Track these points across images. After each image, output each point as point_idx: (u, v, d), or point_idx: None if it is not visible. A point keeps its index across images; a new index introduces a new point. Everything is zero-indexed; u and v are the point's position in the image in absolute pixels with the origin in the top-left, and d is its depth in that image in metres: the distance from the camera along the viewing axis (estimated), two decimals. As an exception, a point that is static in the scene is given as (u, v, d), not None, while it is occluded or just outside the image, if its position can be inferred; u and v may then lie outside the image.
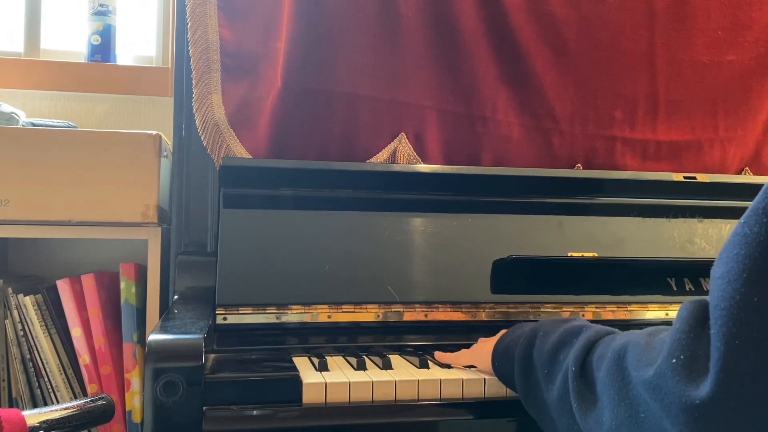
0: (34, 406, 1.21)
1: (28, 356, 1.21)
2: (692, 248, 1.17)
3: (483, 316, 1.04)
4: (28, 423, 0.84)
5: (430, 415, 0.80)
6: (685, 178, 1.22)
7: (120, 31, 1.59)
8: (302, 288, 1.01)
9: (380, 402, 0.79)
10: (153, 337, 0.78)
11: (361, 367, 0.84)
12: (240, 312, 0.99)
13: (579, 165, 1.26)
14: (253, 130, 1.17)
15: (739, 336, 0.48)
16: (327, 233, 1.06)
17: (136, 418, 1.22)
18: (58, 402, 1.21)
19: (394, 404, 0.80)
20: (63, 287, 1.21)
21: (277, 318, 0.99)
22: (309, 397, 0.78)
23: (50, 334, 1.21)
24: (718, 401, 0.48)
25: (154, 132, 1.19)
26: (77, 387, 1.23)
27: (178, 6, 1.20)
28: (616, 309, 1.08)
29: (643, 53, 1.29)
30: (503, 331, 0.85)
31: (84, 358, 1.21)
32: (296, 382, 0.79)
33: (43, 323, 1.21)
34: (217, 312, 0.98)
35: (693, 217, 1.19)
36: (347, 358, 0.91)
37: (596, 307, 1.08)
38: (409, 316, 1.03)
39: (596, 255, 1.11)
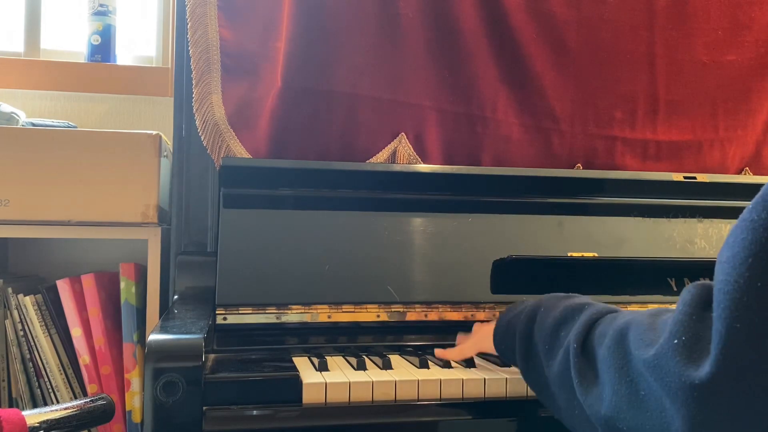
0: (34, 406, 1.21)
1: (28, 356, 1.21)
2: (692, 248, 1.17)
3: (483, 316, 1.04)
4: (28, 423, 0.84)
5: (430, 415, 0.80)
6: (685, 178, 1.22)
7: (120, 31, 1.59)
8: (302, 288, 1.01)
9: (380, 402, 0.79)
10: (153, 337, 0.78)
11: (361, 367, 0.84)
12: (240, 312, 0.99)
13: (579, 165, 1.26)
14: (253, 130, 1.17)
15: (741, 320, 0.48)
16: (327, 233, 1.06)
17: (136, 418, 1.22)
18: (58, 402, 1.21)
19: (394, 404, 0.80)
20: (63, 287, 1.21)
21: (277, 318, 0.99)
22: (309, 397, 0.78)
23: (50, 334, 1.21)
24: (717, 383, 0.49)
25: (154, 132, 1.19)
26: (77, 387, 1.23)
27: (178, 6, 1.20)
28: (616, 309, 1.08)
29: (643, 53, 1.29)
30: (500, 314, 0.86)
31: (84, 358, 1.21)
32: (296, 382, 0.79)
33: (43, 323, 1.21)
34: (217, 312, 0.98)
35: (693, 217, 1.19)
36: (347, 358, 0.91)
37: (596, 307, 1.08)
38: (409, 316, 1.03)
39: (596, 255, 1.11)
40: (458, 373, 0.83)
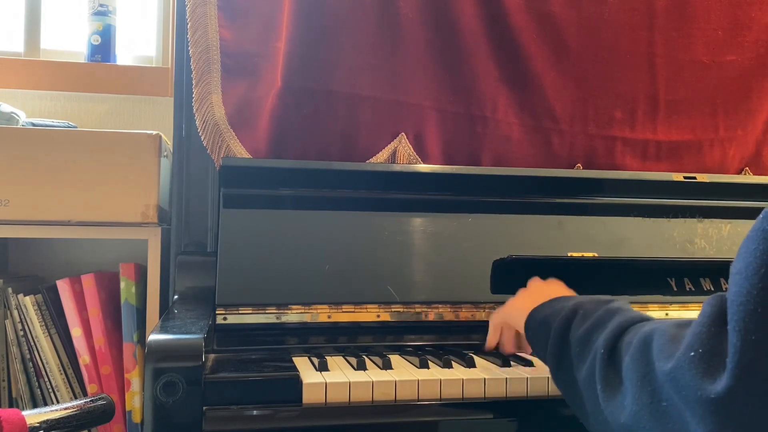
0: (34, 406, 1.21)
1: (28, 356, 1.21)
2: (692, 248, 1.17)
3: (483, 316, 1.04)
4: (28, 423, 0.84)
5: (430, 415, 0.80)
6: (685, 178, 1.22)
7: (120, 31, 1.59)
8: (302, 288, 1.01)
9: (380, 402, 0.79)
10: (153, 337, 0.78)
11: (361, 367, 0.84)
12: (240, 312, 0.99)
13: (579, 165, 1.26)
14: (253, 130, 1.17)
15: (756, 331, 0.48)
16: (327, 233, 1.06)
17: (136, 418, 1.22)
18: (58, 402, 1.21)
19: (394, 404, 0.79)
20: (63, 287, 1.21)
21: (277, 318, 0.99)
22: (309, 397, 0.78)
23: (50, 334, 1.21)
24: (734, 397, 0.48)
25: (154, 132, 1.19)
26: (77, 387, 1.23)
27: (178, 6, 1.20)
28: (616, 309, 1.08)
29: (643, 53, 1.29)
30: (537, 283, 0.89)
31: (84, 358, 1.21)
32: (296, 382, 0.79)
33: (43, 323, 1.21)
34: (217, 312, 0.98)
35: (693, 217, 1.19)
36: (347, 358, 0.91)
37: (596, 307, 1.08)
38: (409, 316, 1.03)
39: (596, 255, 1.11)
40: (458, 373, 0.83)
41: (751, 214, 1.21)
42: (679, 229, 1.18)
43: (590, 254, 1.10)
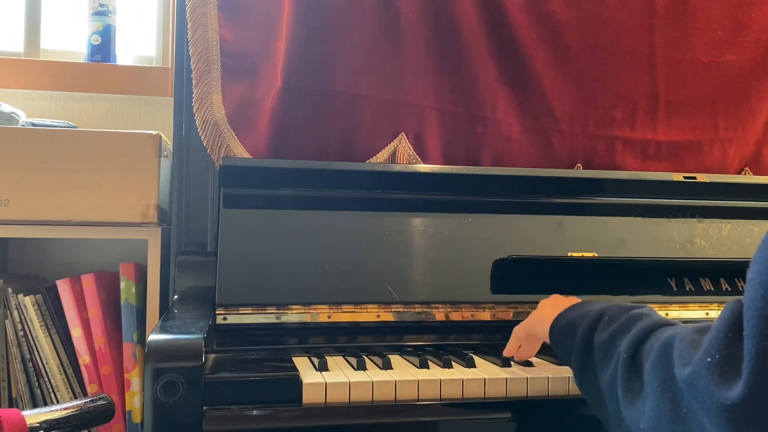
0: (34, 406, 1.21)
1: (28, 356, 1.21)
2: (692, 248, 1.17)
3: (483, 316, 1.04)
4: (28, 423, 0.84)
5: (430, 415, 0.80)
6: (685, 178, 1.22)
7: (120, 31, 1.59)
8: (302, 288, 1.01)
9: (380, 402, 0.79)
10: (153, 337, 0.78)
11: (361, 367, 0.84)
12: (240, 312, 0.99)
13: (579, 165, 1.26)
14: (253, 130, 1.17)
15: None
16: (327, 233, 1.06)
17: (136, 418, 1.22)
18: (58, 402, 1.21)
19: (394, 404, 0.79)
20: (63, 287, 1.21)
21: (277, 318, 0.99)
22: (309, 397, 0.78)
23: (50, 334, 1.21)
24: (750, 404, 0.48)
25: (154, 132, 1.19)
26: (77, 387, 1.23)
27: (178, 6, 1.20)
28: (616, 309, 1.08)
29: (643, 53, 1.29)
30: (559, 296, 0.87)
31: (84, 358, 1.21)
32: (296, 382, 0.79)
33: (43, 323, 1.21)
34: (217, 312, 0.98)
35: (693, 217, 1.19)
36: (347, 358, 0.91)
37: (596, 307, 1.08)
38: (409, 316, 1.03)
39: (596, 255, 1.11)
40: (458, 373, 0.83)
41: (751, 214, 1.21)
42: (679, 229, 1.18)
43: (590, 254, 1.10)
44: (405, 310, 1.03)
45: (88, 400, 0.93)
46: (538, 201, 1.15)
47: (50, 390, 1.21)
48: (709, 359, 0.52)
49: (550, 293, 1.06)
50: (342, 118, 1.19)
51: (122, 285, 1.23)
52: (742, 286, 1.14)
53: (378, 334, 1.02)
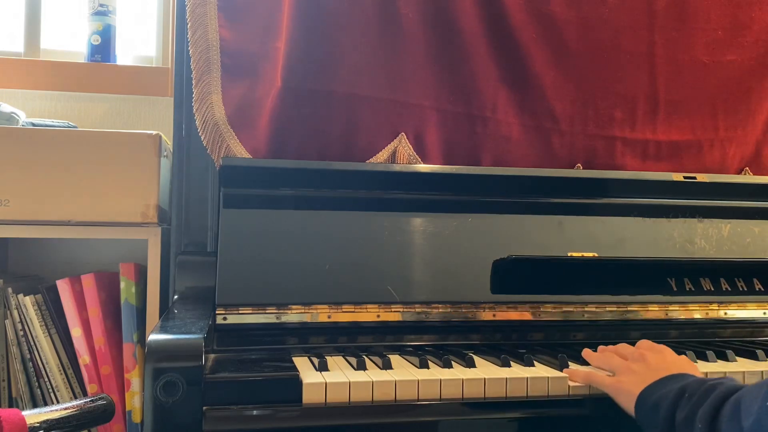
0: (34, 406, 1.21)
1: (28, 356, 1.21)
2: (692, 248, 1.17)
3: (483, 316, 1.04)
4: (28, 423, 0.84)
5: (430, 415, 0.80)
6: (685, 178, 1.22)
7: (120, 31, 1.59)
8: (302, 288, 1.01)
9: (380, 402, 0.79)
10: (153, 337, 0.78)
11: (361, 367, 0.84)
12: (240, 312, 0.99)
13: (579, 165, 1.26)
14: (253, 130, 1.17)
15: None
16: (327, 233, 1.06)
17: (136, 418, 1.22)
18: (58, 402, 1.21)
19: (394, 404, 0.79)
20: (63, 287, 1.21)
21: (277, 318, 0.99)
22: (309, 397, 0.78)
23: (50, 334, 1.21)
24: None
25: (154, 132, 1.19)
26: (77, 387, 1.23)
27: (178, 6, 1.20)
28: (615, 309, 1.08)
29: (643, 53, 1.29)
30: (641, 354, 0.85)
31: (84, 358, 1.21)
32: (296, 382, 0.78)
33: (43, 323, 1.21)
34: (217, 312, 0.98)
35: (693, 217, 1.19)
36: (347, 358, 0.91)
37: (596, 307, 1.08)
38: (409, 316, 1.03)
39: (596, 255, 1.11)
40: (458, 373, 0.83)
41: (751, 214, 1.21)
42: (679, 229, 1.18)
43: (590, 254, 1.10)
44: (405, 310, 1.03)
45: (88, 400, 0.93)
46: (538, 201, 1.15)
47: (50, 390, 1.21)
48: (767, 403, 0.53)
49: (551, 293, 1.06)
50: (342, 118, 1.19)
51: (122, 285, 1.23)
52: (742, 286, 1.14)
53: (378, 334, 1.02)
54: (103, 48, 1.54)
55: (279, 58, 1.18)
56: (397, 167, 1.15)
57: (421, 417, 0.80)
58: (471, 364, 0.88)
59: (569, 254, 1.10)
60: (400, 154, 1.19)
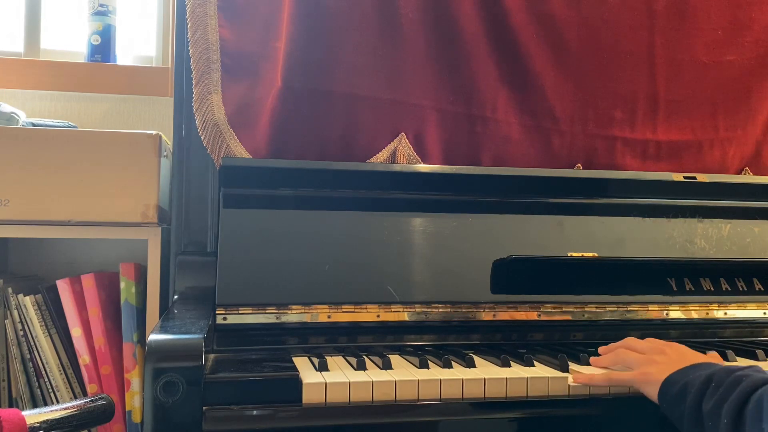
0: (34, 406, 1.21)
1: (28, 356, 1.21)
2: (692, 248, 1.17)
3: (483, 316, 1.04)
4: (28, 423, 0.84)
5: (430, 415, 0.80)
6: (685, 178, 1.22)
7: (120, 31, 1.59)
8: (302, 288, 1.01)
9: (380, 402, 0.79)
10: (153, 337, 0.78)
11: (361, 367, 0.84)
12: (240, 312, 0.99)
13: (579, 165, 1.26)
14: (253, 130, 1.17)
15: None
16: (327, 233, 1.06)
17: (136, 418, 1.22)
18: (58, 402, 1.21)
19: (394, 404, 0.79)
20: (63, 287, 1.21)
21: (277, 318, 0.99)
22: (309, 397, 0.78)
23: (50, 334, 1.21)
24: None
25: (154, 132, 1.19)
26: (77, 387, 1.23)
27: (178, 6, 1.20)
28: (615, 309, 1.08)
29: (643, 53, 1.29)
30: (659, 348, 0.85)
31: (84, 358, 1.21)
32: (296, 382, 0.79)
33: (43, 323, 1.21)
34: (217, 312, 0.98)
35: (693, 217, 1.19)
36: (347, 358, 0.91)
37: (596, 307, 1.08)
38: (409, 316, 1.03)
39: (596, 255, 1.11)
40: (458, 373, 0.83)
41: (751, 214, 1.21)
42: (679, 229, 1.18)
43: (590, 254, 1.10)
44: (405, 310, 1.03)
45: (88, 400, 0.93)
46: (538, 201, 1.15)
47: (50, 390, 1.21)
48: None
49: (551, 293, 1.06)
50: (342, 118, 1.18)
51: (122, 285, 1.23)
52: (742, 286, 1.14)
53: (378, 334, 1.02)
54: (103, 48, 1.54)
55: (279, 58, 1.18)
56: (397, 167, 1.15)
57: (421, 417, 0.80)
58: (471, 364, 0.88)
59: (569, 254, 1.10)
60: (400, 154, 1.19)
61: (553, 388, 0.83)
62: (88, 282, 1.22)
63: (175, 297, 1.07)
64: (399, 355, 0.94)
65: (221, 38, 1.18)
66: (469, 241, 1.09)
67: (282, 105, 1.16)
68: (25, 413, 0.85)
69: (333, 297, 1.01)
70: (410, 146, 1.20)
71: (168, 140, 1.27)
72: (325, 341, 1.00)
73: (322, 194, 1.09)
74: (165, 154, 1.23)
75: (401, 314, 1.02)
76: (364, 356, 0.88)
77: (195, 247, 1.15)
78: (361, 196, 1.10)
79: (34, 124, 1.31)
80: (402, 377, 0.80)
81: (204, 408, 0.76)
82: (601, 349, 0.92)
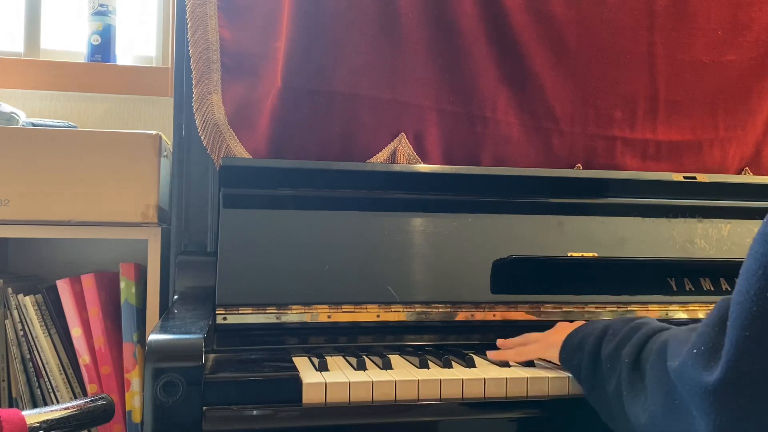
0: (34, 406, 1.21)
1: (28, 356, 1.21)
2: (692, 248, 1.17)
3: (483, 316, 1.04)
4: (28, 423, 0.84)
5: (430, 415, 0.80)
6: (685, 178, 1.22)
7: (120, 31, 1.59)
8: (302, 288, 1.01)
9: (380, 402, 0.79)
10: (153, 337, 0.78)
11: (361, 367, 0.84)
12: (240, 312, 0.99)
13: (579, 165, 1.26)
14: (253, 130, 1.17)
15: (750, 328, 0.52)
16: (327, 233, 1.06)
17: (136, 418, 1.22)
18: (58, 402, 1.21)
19: (394, 404, 0.79)
20: (63, 287, 1.21)
21: (277, 318, 0.99)
22: (309, 397, 0.78)
23: (50, 334, 1.21)
24: (727, 387, 0.52)
25: (154, 132, 1.19)
26: (77, 387, 1.23)
27: (178, 6, 1.20)
28: (615, 309, 1.08)
29: (643, 53, 1.29)
30: (564, 325, 0.91)
31: (84, 358, 1.21)
32: (296, 382, 0.79)
33: (43, 323, 1.21)
34: (217, 312, 0.98)
35: (693, 217, 1.19)
36: (347, 358, 0.91)
37: (596, 307, 1.08)
38: (409, 316, 1.03)
39: (596, 255, 1.11)
40: (458, 373, 0.83)
41: (751, 214, 1.21)
42: (679, 229, 1.18)
43: (590, 254, 1.10)
44: (405, 310, 1.03)
45: (88, 400, 0.93)
46: (538, 201, 1.15)
47: (50, 390, 1.21)
48: (695, 350, 0.56)
49: (551, 293, 1.06)
50: (342, 118, 1.19)
51: (122, 285, 1.23)
52: (742, 286, 1.13)
53: (378, 334, 1.02)
54: (103, 48, 1.54)
55: (279, 58, 1.18)
56: (397, 167, 1.15)
57: (421, 417, 0.80)
58: (471, 364, 0.88)
59: (569, 254, 1.10)
60: (400, 154, 1.19)
61: (553, 388, 0.83)
62: (88, 282, 1.22)
63: (175, 297, 1.07)
64: (399, 355, 0.94)
65: (221, 38, 1.18)
66: (469, 241, 1.09)
67: (282, 105, 1.16)
68: (25, 413, 0.85)
69: (333, 297, 1.01)
70: (410, 146, 1.20)
71: (168, 140, 1.27)
72: (325, 341, 1.00)
73: (322, 194, 1.09)
74: (165, 154, 1.23)
75: (401, 314, 1.02)
76: (364, 356, 0.88)
77: (195, 247, 1.15)
78: (361, 196, 1.10)
79: (34, 124, 1.31)
80: (402, 377, 0.81)
81: (204, 408, 0.76)
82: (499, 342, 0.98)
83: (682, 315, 1.10)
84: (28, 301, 1.20)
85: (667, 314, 1.09)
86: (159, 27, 1.65)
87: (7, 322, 1.21)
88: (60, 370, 1.21)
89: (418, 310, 1.03)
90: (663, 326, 0.72)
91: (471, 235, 1.09)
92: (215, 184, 1.15)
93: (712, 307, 1.12)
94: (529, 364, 0.89)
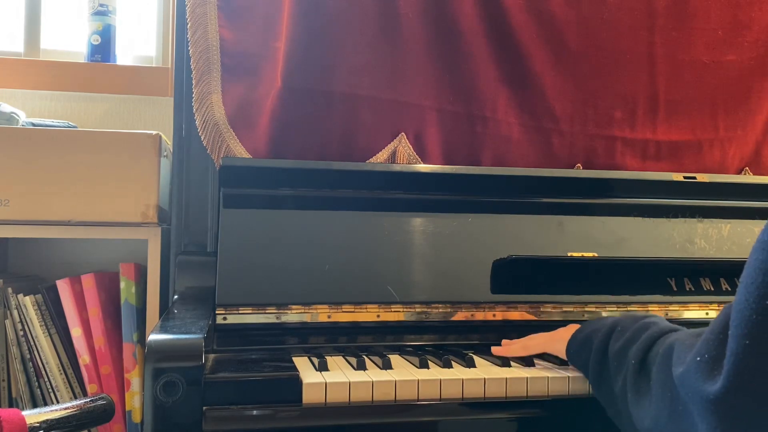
0: (34, 406, 1.21)
1: (28, 356, 1.21)
2: (692, 248, 1.17)
3: (483, 316, 1.04)
4: (28, 423, 0.84)
5: (430, 415, 0.80)
6: (685, 178, 1.22)
7: (120, 31, 1.59)
8: (302, 288, 1.01)
9: (380, 402, 0.79)
10: (153, 336, 0.78)
11: (361, 367, 0.84)
12: (240, 312, 0.99)
13: (579, 165, 1.26)
14: (253, 130, 1.17)
15: (751, 336, 0.52)
16: (327, 233, 1.06)
17: (136, 418, 1.22)
18: (58, 402, 1.21)
19: (394, 404, 0.80)
20: (63, 287, 1.21)
21: (277, 318, 0.99)
22: (309, 397, 0.78)
23: (50, 334, 1.21)
24: (730, 397, 0.52)
25: (154, 132, 1.19)
26: (77, 387, 1.23)
27: (178, 6, 1.20)
28: (615, 309, 1.08)
29: (642, 53, 1.29)
30: (574, 326, 0.90)
31: (84, 358, 1.21)
32: (296, 382, 0.79)
33: (43, 323, 1.21)
34: (217, 312, 0.98)
35: (693, 217, 1.19)
36: (347, 358, 0.91)
37: (596, 307, 1.08)
38: (409, 316, 1.03)
39: (596, 255, 1.11)
40: (458, 373, 0.83)
41: (751, 214, 1.21)
42: (679, 229, 1.18)
43: (590, 254, 1.10)
44: (405, 310, 1.03)
45: (88, 400, 0.93)
46: (538, 201, 1.15)
47: (50, 390, 1.21)
48: (698, 358, 0.56)
49: (551, 293, 1.06)
50: (342, 118, 1.19)
51: (122, 285, 1.23)
52: (742, 286, 1.13)
53: (378, 334, 1.02)
54: (103, 48, 1.54)
55: (279, 58, 1.18)
56: (397, 167, 1.15)
57: (421, 417, 0.80)
58: (471, 364, 0.88)
59: (569, 254, 1.10)
60: (400, 154, 1.19)
61: (553, 388, 0.83)
62: (88, 282, 1.22)
63: (175, 297, 1.07)
64: (399, 355, 0.94)
65: (221, 38, 1.18)
66: (469, 241, 1.09)
67: (282, 105, 1.16)
68: (25, 413, 0.85)
69: (333, 297, 1.01)
70: (410, 146, 1.20)
71: (168, 140, 1.27)
72: (325, 341, 1.00)
73: (322, 194, 1.09)
74: (165, 154, 1.23)
75: (401, 314, 1.02)
76: (364, 356, 0.88)
77: (195, 247, 1.15)
78: (361, 196, 1.10)
79: (34, 124, 1.31)
80: (402, 377, 0.81)
81: (204, 408, 0.76)
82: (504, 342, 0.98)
83: (682, 315, 1.10)
84: (28, 301, 1.20)
85: (667, 314, 1.09)
86: (159, 27, 1.65)
87: (7, 322, 1.21)
88: (60, 370, 1.21)
89: (418, 310, 1.03)
90: (671, 327, 0.72)
91: (471, 235, 1.09)
92: (215, 184, 1.15)
93: (711, 307, 1.13)
94: (529, 364, 0.89)
